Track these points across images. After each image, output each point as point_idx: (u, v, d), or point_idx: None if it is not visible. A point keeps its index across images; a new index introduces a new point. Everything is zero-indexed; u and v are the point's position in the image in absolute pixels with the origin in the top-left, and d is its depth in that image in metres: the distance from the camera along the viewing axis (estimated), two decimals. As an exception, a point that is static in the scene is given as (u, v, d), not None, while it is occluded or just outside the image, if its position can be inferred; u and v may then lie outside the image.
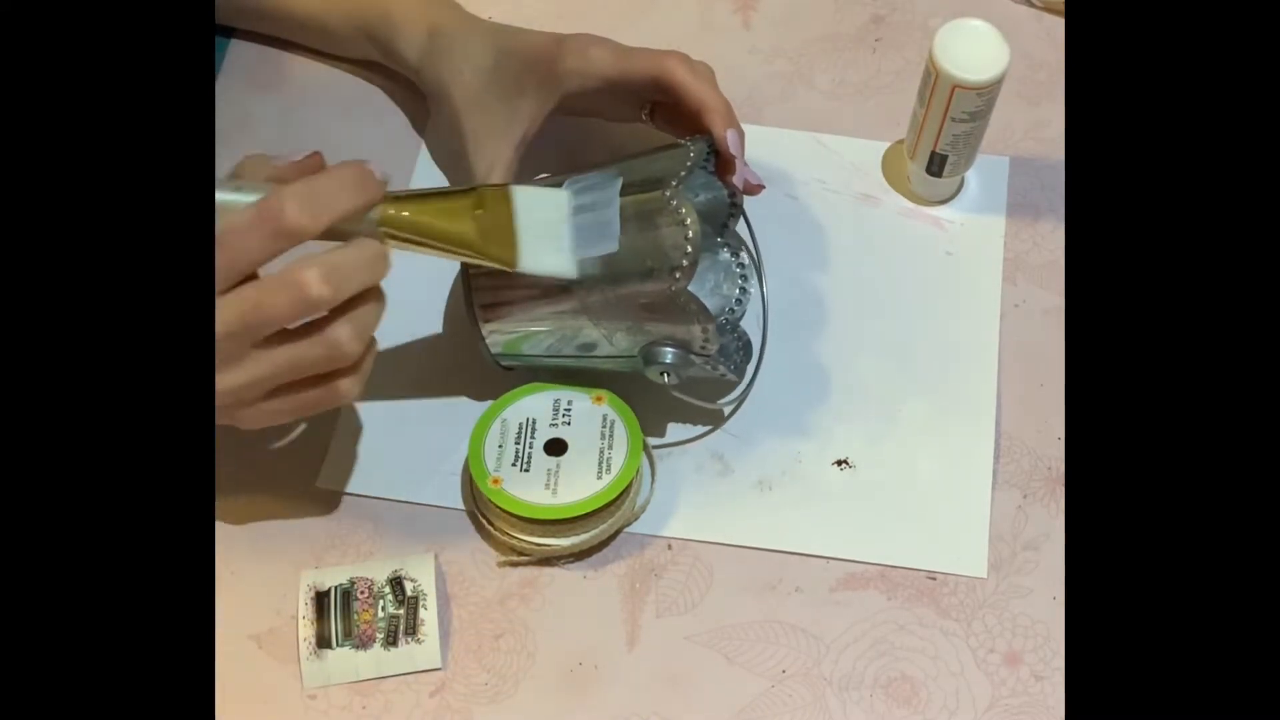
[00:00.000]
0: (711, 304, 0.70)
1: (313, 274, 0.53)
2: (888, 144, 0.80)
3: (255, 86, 0.81)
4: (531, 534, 0.66)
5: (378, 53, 0.78)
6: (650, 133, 0.72)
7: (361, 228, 0.57)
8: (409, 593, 0.65)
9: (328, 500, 0.69)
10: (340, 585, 0.65)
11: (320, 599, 0.65)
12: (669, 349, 0.65)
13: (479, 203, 0.60)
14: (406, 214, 0.58)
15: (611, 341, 0.65)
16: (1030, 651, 0.65)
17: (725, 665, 0.65)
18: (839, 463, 0.70)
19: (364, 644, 0.64)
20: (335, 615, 0.65)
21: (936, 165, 0.75)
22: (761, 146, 0.76)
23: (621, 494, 0.66)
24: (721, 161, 0.67)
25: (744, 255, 0.71)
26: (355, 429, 0.71)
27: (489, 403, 0.69)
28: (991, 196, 0.79)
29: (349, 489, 0.69)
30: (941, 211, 0.78)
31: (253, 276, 0.54)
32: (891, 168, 0.80)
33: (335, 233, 0.55)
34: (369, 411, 0.71)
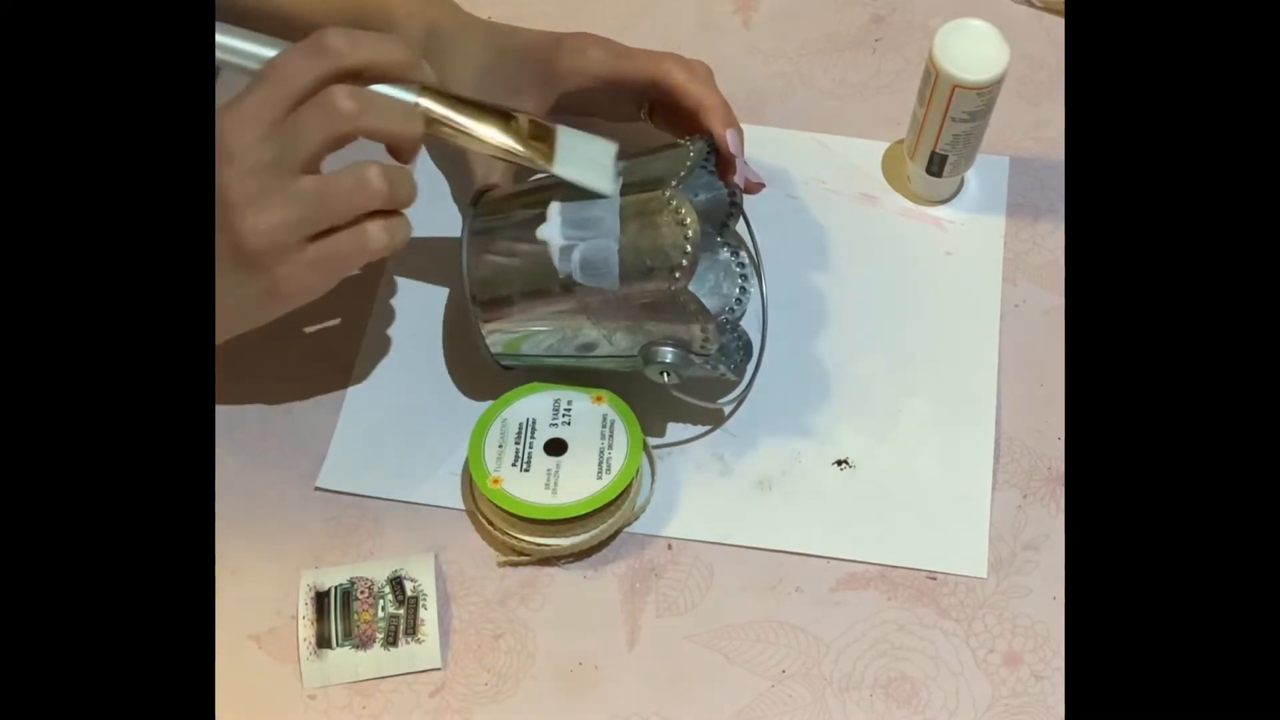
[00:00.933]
0: (711, 304, 0.70)
1: (343, 96, 0.56)
2: (888, 144, 0.80)
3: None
4: (531, 534, 0.66)
5: None
6: (650, 132, 0.72)
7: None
8: (409, 593, 0.65)
9: (328, 500, 0.69)
10: (340, 585, 0.65)
11: (320, 599, 0.65)
12: (669, 348, 0.65)
13: (519, 126, 0.62)
14: (447, 96, 0.60)
15: (611, 341, 0.65)
16: (1030, 651, 0.65)
17: (725, 665, 0.65)
18: (839, 463, 0.70)
19: (364, 644, 0.64)
20: (335, 615, 0.65)
21: (936, 165, 0.75)
22: (761, 146, 0.76)
23: (621, 494, 0.66)
24: (721, 161, 0.67)
25: (744, 255, 0.71)
26: (355, 429, 0.71)
27: (489, 403, 0.69)
28: (991, 196, 0.79)
29: (349, 489, 0.69)
30: (941, 211, 0.78)
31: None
32: (891, 168, 0.80)
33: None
34: (369, 411, 0.71)
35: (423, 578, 0.66)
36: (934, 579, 0.67)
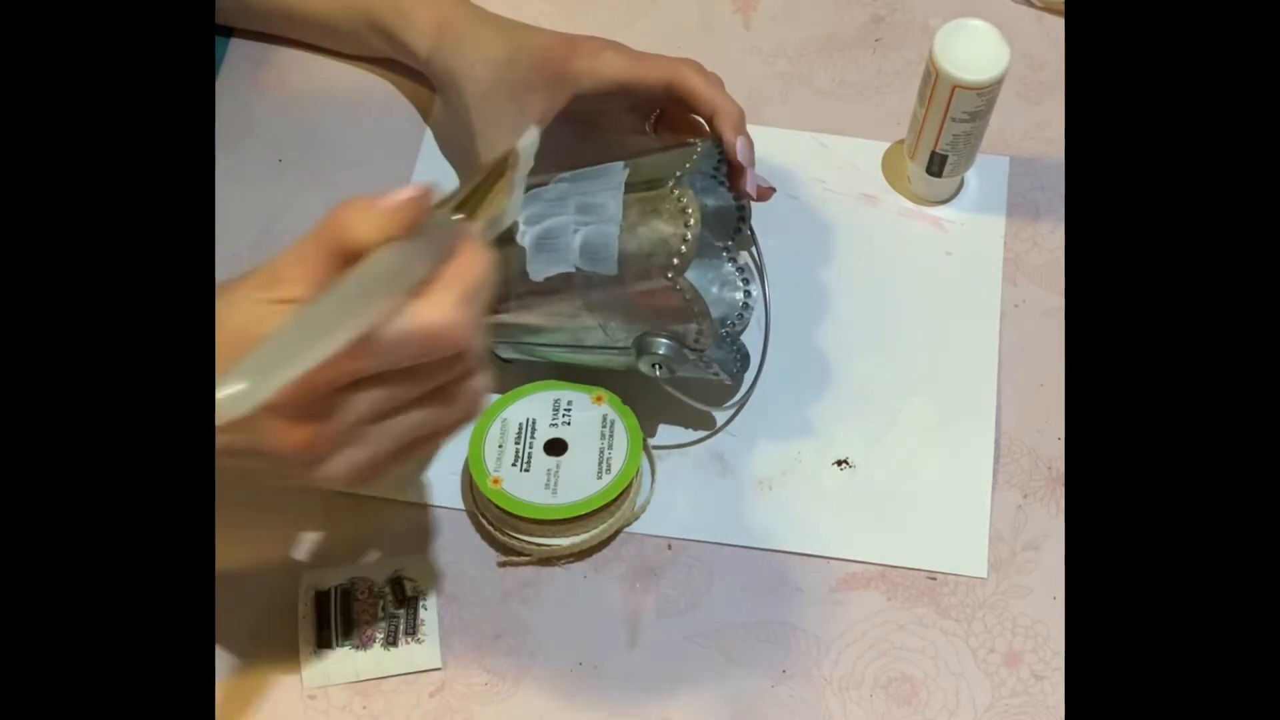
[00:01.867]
0: (715, 311, 0.70)
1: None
2: (888, 144, 0.80)
3: (255, 86, 0.81)
4: (531, 534, 0.66)
5: (386, 45, 0.78)
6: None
7: None
8: (409, 593, 0.65)
9: (328, 500, 0.69)
10: (340, 585, 0.65)
11: (320, 599, 0.65)
12: (663, 340, 0.64)
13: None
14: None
15: (607, 332, 0.65)
16: (1030, 651, 0.65)
17: (725, 665, 0.65)
18: (839, 463, 0.70)
19: (364, 644, 0.64)
20: (335, 615, 0.65)
21: (936, 165, 0.75)
22: (762, 146, 0.76)
23: (621, 494, 0.66)
24: (731, 168, 0.67)
25: (746, 262, 0.71)
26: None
27: (489, 402, 0.69)
28: (991, 196, 0.79)
29: (349, 489, 0.69)
30: (941, 211, 0.78)
31: None
32: (891, 168, 0.80)
33: None
34: (369, 411, 0.71)
35: (423, 578, 0.66)
36: (934, 579, 0.67)
